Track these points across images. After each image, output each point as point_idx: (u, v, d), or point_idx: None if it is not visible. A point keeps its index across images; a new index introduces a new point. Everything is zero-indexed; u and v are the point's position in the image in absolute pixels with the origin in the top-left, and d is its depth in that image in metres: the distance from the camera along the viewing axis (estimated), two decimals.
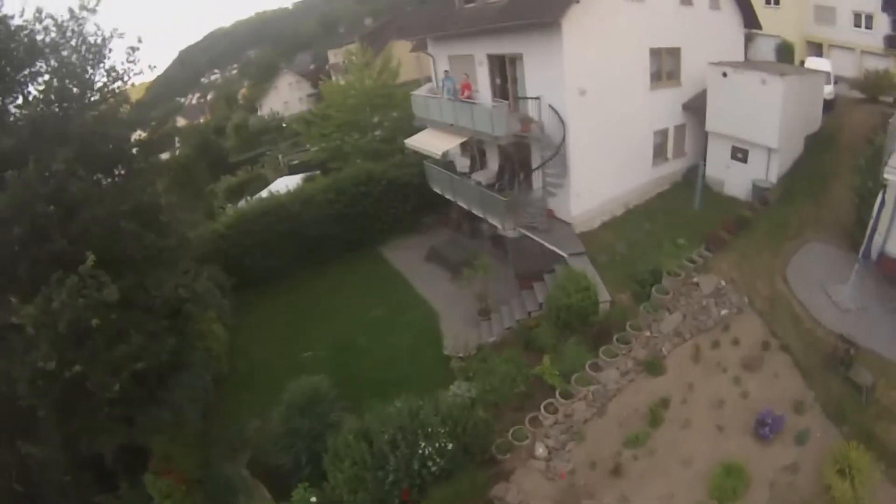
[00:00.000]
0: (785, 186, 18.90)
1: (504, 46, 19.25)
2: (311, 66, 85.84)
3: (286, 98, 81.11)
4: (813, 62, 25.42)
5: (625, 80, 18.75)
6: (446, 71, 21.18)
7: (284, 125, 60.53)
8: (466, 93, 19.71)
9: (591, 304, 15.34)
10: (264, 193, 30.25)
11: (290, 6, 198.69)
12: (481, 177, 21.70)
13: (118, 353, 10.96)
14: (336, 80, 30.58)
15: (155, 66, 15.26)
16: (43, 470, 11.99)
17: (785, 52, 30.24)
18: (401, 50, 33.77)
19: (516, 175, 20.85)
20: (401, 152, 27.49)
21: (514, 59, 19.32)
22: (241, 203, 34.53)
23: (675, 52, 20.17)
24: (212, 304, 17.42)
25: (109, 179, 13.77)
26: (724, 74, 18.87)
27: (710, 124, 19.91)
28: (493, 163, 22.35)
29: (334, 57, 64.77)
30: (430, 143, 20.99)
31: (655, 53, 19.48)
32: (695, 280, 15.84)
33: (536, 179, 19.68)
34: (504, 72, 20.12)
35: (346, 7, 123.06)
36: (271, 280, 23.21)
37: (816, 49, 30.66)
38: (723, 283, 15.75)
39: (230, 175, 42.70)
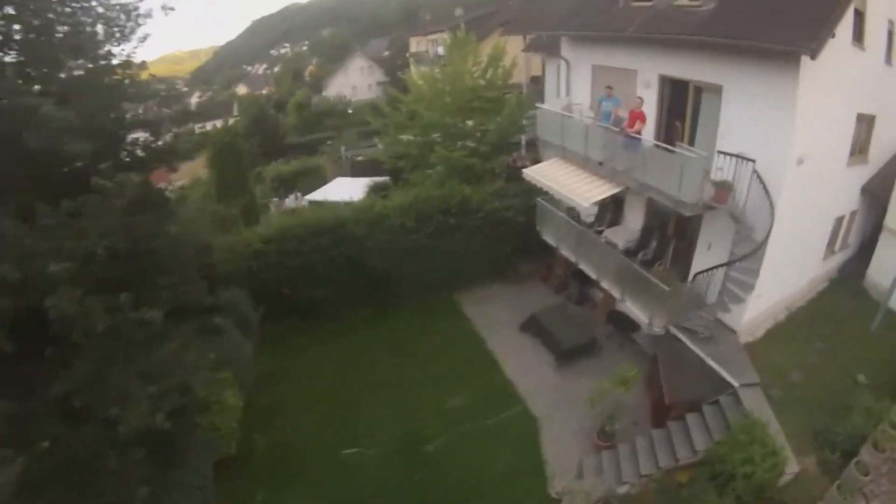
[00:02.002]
0: None
1: (695, 70, 13.54)
2: (386, 53, 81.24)
3: (355, 82, 77.57)
4: None
5: (831, 150, 13.46)
6: (609, 88, 15.08)
7: (350, 111, 56.19)
8: (637, 126, 13.82)
9: (775, 476, 10.35)
10: (319, 195, 25.38)
11: None
12: (617, 237, 15.99)
13: None
14: (430, 69, 24.05)
15: (173, 9, 9.96)
16: None
17: None
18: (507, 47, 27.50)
19: (667, 245, 15.26)
20: (495, 174, 21.80)
21: (703, 92, 13.67)
22: (291, 198, 29.89)
23: (870, 122, 14.71)
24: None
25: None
26: None
27: (892, 219, 14.88)
28: (634, 220, 16.60)
29: (417, 45, 59.06)
30: (567, 183, 15.01)
31: (860, 121, 14.08)
32: None
33: (699, 259, 14.12)
34: (682, 106, 14.40)
35: None
36: (315, 315, 17.84)
37: None
38: None
39: (283, 160, 38.21)
